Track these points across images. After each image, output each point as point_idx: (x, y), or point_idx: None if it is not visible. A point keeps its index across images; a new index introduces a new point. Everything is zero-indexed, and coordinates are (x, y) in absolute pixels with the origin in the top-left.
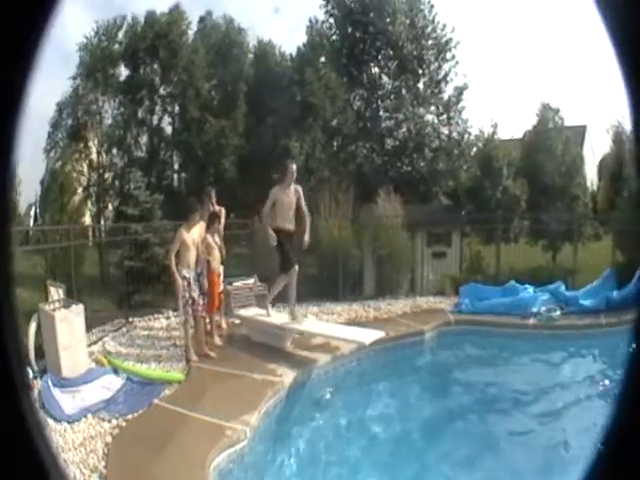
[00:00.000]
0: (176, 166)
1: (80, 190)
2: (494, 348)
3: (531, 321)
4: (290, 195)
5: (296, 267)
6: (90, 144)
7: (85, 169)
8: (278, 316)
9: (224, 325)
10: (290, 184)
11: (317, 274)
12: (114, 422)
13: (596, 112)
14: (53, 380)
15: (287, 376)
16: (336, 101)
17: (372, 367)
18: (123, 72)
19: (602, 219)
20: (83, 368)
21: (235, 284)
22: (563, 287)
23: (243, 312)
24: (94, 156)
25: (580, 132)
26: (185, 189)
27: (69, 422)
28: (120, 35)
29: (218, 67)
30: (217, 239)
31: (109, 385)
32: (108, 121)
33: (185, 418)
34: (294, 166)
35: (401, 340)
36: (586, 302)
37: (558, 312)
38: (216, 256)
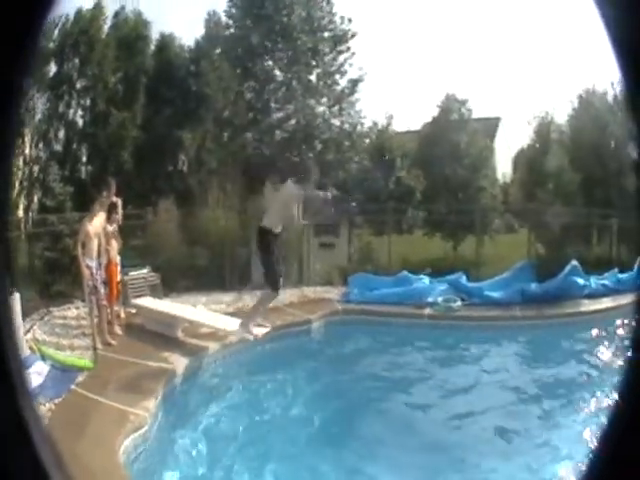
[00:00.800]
0: (84, 158)
1: (17, 184)
2: (384, 337)
3: (427, 311)
4: (296, 195)
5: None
6: (26, 139)
7: (21, 164)
8: (170, 305)
9: (122, 314)
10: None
11: (206, 265)
12: (47, 406)
13: (517, 104)
14: None
15: (179, 364)
16: (228, 92)
17: (258, 355)
18: (53, 68)
19: (518, 211)
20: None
21: (131, 274)
22: (464, 278)
23: (139, 301)
24: (27, 151)
25: (493, 124)
26: (90, 181)
27: None
28: (55, 33)
29: (125, 60)
30: (115, 229)
31: (40, 371)
32: (39, 116)
33: (96, 404)
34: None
35: (288, 329)
36: (495, 294)
37: (458, 303)
38: (114, 246)
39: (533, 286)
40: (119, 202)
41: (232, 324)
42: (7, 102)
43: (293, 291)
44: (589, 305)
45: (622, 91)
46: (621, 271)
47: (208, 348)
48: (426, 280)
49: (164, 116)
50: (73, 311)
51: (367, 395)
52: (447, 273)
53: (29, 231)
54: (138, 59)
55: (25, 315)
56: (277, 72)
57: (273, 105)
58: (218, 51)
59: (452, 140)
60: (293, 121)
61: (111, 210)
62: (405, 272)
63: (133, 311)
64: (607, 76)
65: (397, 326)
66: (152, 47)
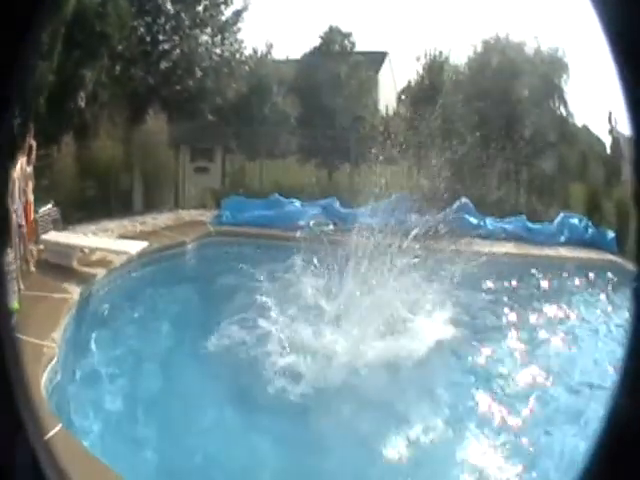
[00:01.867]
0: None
1: None
2: (252, 257)
3: (298, 234)
4: None
5: None
6: None
7: None
8: (67, 236)
9: (35, 252)
10: None
11: (94, 195)
12: None
13: (408, 41)
14: None
15: (75, 293)
16: (124, 29)
17: (138, 278)
18: None
19: (400, 144)
20: None
21: (40, 211)
22: (337, 204)
23: (45, 237)
24: None
25: (378, 58)
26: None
27: None
28: None
29: (54, 14)
30: (31, 170)
31: None
32: None
33: (22, 342)
34: None
35: (164, 251)
36: (370, 221)
37: (330, 227)
38: (30, 187)
39: (413, 217)
40: (34, 144)
41: (131, 246)
42: (7, 101)
43: (169, 215)
44: (485, 246)
45: (620, 88)
46: (531, 220)
47: (97, 274)
48: (297, 204)
49: (72, 58)
50: (5, 258)
51: (231, 307)
52: (321, 199)
53: None
54: (64, 11)
55: None
56: (168, 6)
57: (161, 37)
58: None
59: (332, 70)
60: (177, 51)
61: (29, 153)
62: (277, 195)
63: (41, 247)
64: (526, 29)
65: (267, 247)
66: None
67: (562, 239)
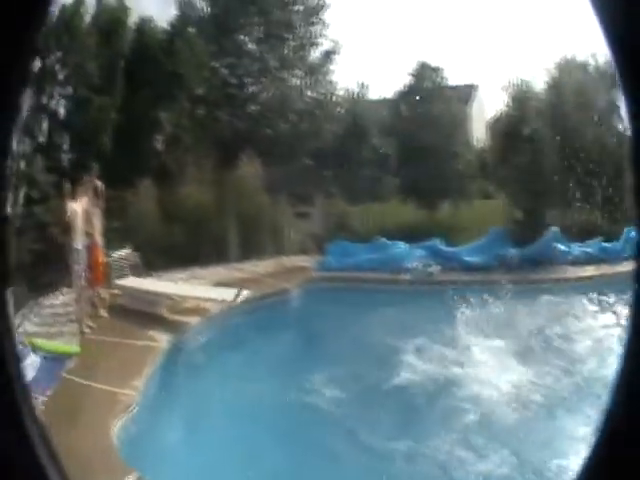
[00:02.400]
0: (66, 146)
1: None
2: (358, 302)
3: (403, 276)
4: None
5: None
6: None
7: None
8: (153, 283)
9: (106, 296)
10: None
11: (184, 241)
12: (41, 398)
13: (492, 71)
14: None
15: (163, 341)
16: (202, 70)
17: (237, 326)
18: (37, 64)
19: (494, 177)
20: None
21: (113, 255)
22: (441, 243)
23: (122, 282)
24: (15, 147)
25: (467, 91)
26: (71, 168)
27: None
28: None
29: (105, 46)
30: (98, 212)
31: (32, 364)
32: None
33: (86, 388)
34: None
35: (266, 299)
36: (473, 259)
37: (436, 267)
38: (98, 228)
39: (511, 251)
40: (101, 185)
41: (226, 294)
42: (7, 102)
43: (271, 261)
44: (574, 272)
45: (620, 87)
46: (606, 240)
47: (190, 323)
48: (402, 246)
49: (141, 97)
50: (60, 298)
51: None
52: (424, 239)
53: (16, 225)
54: (118, 44)
55: (16, 309)
56: (251, 47)
57: (247, 80)
58: (192, 30)
59: (425, 107)
60: (265, 94)
61: (94, 193)
62: (382, 239)
63: (116, 292)
64: (587, 47)
65: (375, 292)
66: (131, 31)
67: (628, 253)
